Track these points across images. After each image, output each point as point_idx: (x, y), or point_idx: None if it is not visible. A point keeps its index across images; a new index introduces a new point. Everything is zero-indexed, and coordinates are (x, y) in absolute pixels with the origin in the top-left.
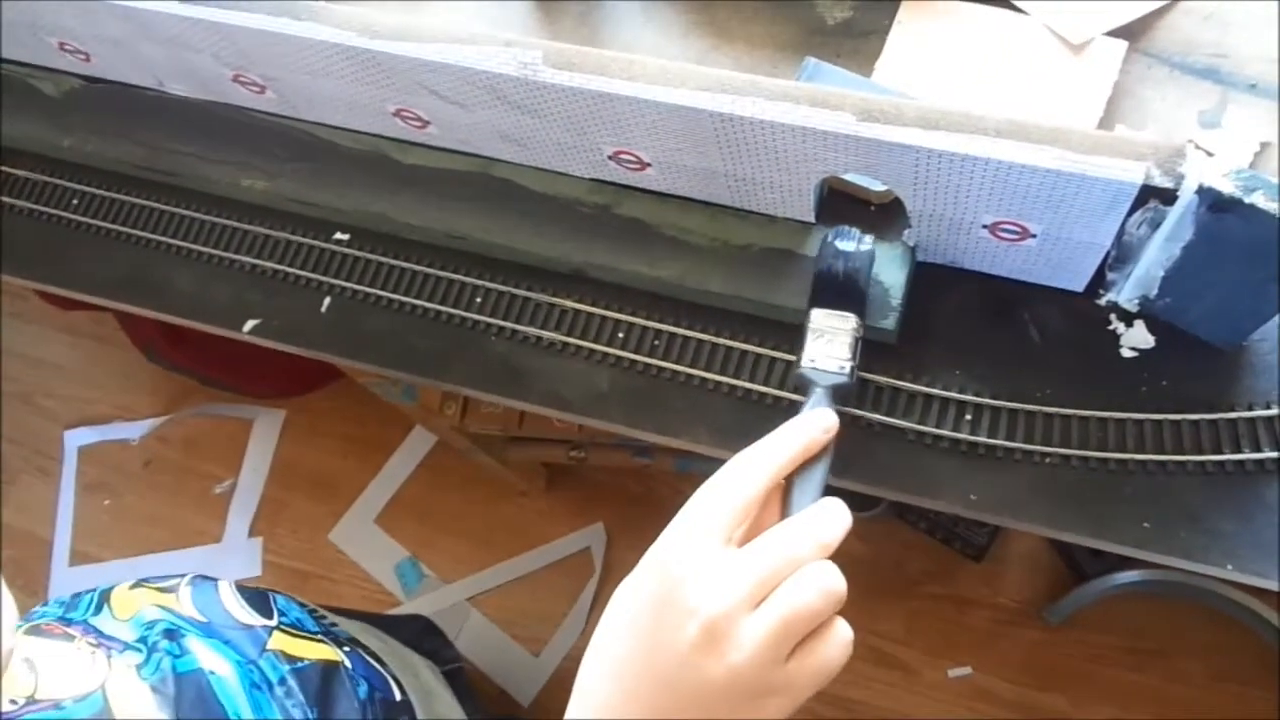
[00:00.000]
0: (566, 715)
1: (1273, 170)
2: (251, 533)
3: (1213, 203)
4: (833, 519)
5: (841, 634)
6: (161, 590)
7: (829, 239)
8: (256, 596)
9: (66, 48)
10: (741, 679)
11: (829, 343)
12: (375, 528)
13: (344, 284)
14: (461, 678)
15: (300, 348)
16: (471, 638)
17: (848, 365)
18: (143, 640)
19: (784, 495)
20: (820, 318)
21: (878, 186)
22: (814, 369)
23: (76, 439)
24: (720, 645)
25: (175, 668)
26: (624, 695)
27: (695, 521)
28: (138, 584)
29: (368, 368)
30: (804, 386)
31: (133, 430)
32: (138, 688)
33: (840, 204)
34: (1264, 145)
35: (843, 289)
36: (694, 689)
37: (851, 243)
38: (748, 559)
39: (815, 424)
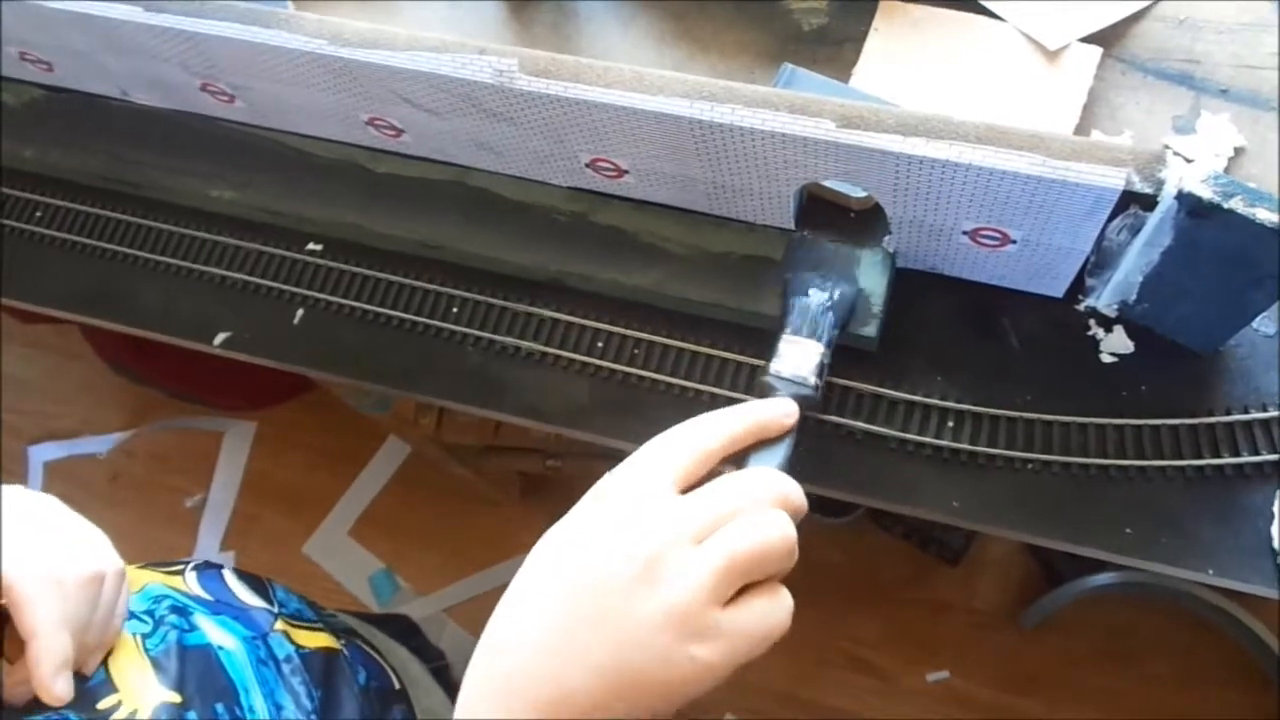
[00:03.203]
0: (472, 664)
1: (1245, 175)
2: (223, 547)
3: (1192, 208)
4: (793, 485)
5: (786, 597)
6: (168, 573)
7: (800, 282)
8: (255, 582)
9: (28, 57)
10: (675, 616)
11: (798, 359)
12: (349, 540)
13: (317, 295)
14: (448, 676)
15: (272, 361)
16: (447, 649)
17: (813, 380)
18: (149, 613)
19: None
20: (791, 338)
21: (858, 193)
22: (778, 378)
23: (42, 454)
24: (656, 579)
25: (182, 641)
26: (540, 631)
27: (641, 465)
28: (144, 565)
29: (342, 380)
30: (764, 394)
31: (99, 444)
32: (139, 662)
33: (820, 211)
34: (1237, 150)
35: (812, 329)
36: (621, 625)
37: (825, 294)
38: (696, 499)
39: (775, 405)
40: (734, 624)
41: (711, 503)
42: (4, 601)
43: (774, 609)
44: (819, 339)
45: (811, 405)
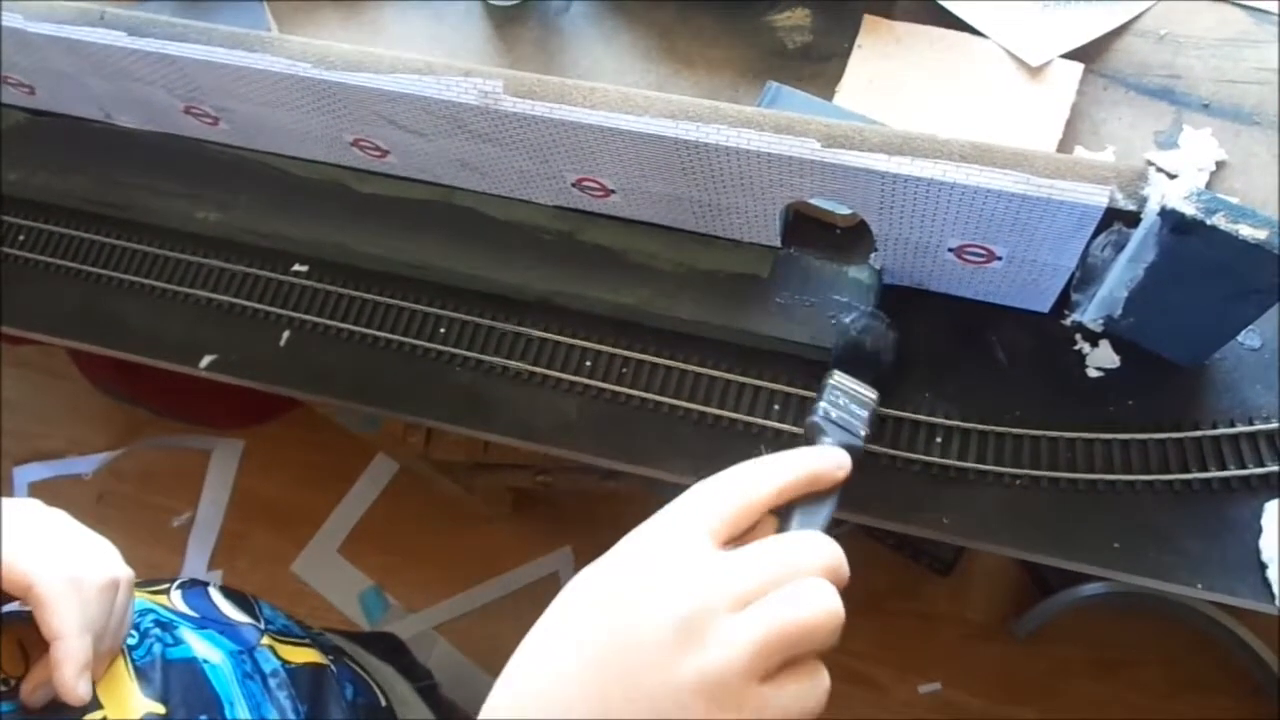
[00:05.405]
0: (487, 704)
1: (1228, 189)
2: (211, 566)
3: (1175, 224)
4: (841, 553)
5: (824, 678)
6: (153, 593)
7: (853, 318)
8: (240, 599)
9: (10, 81)
10: (709, 684)
11: (847, 404)
12: (338, 557)
13: (303, 316)
14: (435, 695)
15: (259, 383)
16: (438, 666)
17: (862, 431)
18: (134, 626)
19: (782, 528)
20: (842, 379)
21: (843, 211)
22: (828, 422)
23: (27, 475)
24: (695, 642)
25: (165, 654)
26: (570, 687)
27: (683, 514)
28: None
29: (329, 401)
30: (813, 436)
31: (85, 464)
32: (123, 674)
33: (806, 229)
34: (1219, 164)
35: (865, 362)
36: (655, 687)
37: (880, 322)
38: (740, 560)
39: (828, 455)
40: (771, 701)
41: (757, 567)
42: (21, 601)
43: (811, 691)
44: (869, 382)
45: (856, 455)
